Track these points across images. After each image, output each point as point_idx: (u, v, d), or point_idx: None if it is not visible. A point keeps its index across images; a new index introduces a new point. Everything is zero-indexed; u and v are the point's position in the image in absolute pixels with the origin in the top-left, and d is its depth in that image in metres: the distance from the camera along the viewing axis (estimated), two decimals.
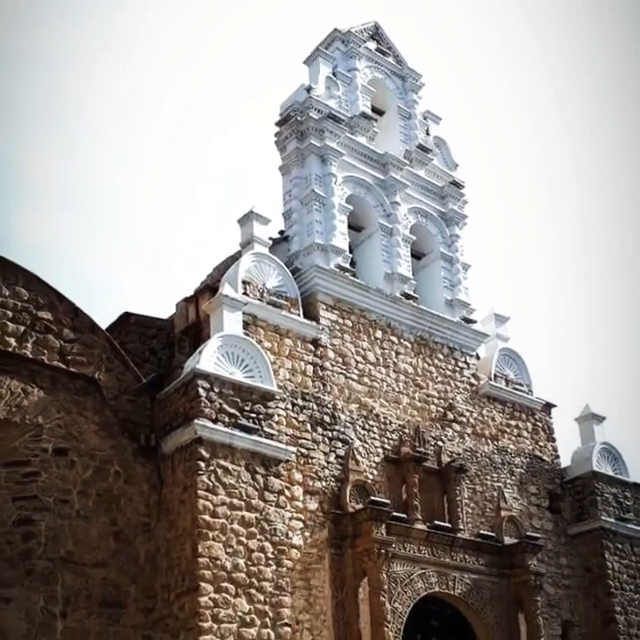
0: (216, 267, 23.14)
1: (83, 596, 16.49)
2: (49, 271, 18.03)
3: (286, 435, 19.62)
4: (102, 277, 50.49)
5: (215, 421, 17.72)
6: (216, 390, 18.00)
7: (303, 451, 19.94)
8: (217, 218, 52.64)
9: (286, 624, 17.59)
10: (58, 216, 51.11)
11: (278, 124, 23.99)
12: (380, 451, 21.56)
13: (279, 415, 19.53)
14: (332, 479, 20.23)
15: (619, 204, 58.07)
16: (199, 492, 17.12)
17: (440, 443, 22.93)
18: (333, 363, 21.62)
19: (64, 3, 49.68)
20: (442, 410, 23.53)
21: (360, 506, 19.88)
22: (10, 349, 16.99)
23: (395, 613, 19.60)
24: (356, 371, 22.02)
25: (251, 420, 18.29)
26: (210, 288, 20.99)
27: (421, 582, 20.61)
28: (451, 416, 23.66)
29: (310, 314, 21.65)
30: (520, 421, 25.37)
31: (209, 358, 18.20)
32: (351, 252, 23.57)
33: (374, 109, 25.86)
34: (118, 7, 51.40)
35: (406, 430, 22.32)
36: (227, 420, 17.93)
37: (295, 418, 20.15)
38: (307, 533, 19.37)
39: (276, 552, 17.90)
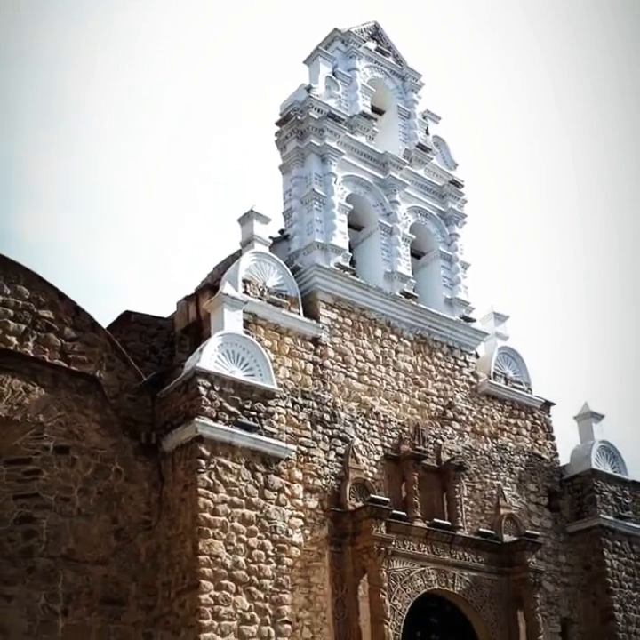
0: (216, 266, 23.19)
1: (84, 594, 16.51)
2: (49, 271, 18.06)
3: (286, 433, 19.67)
4: (103, 277, 50.59)
5: (216, 420, 17.76)
6: (216, 389, 18.03)
7: (303, 449, 19.99)
8: (217, 218, 52.77)
9: (286, 621, 17.63)
10: (58, 216, 51.18)
11: (278, 123, 24.04)
12: (379, 449, 21.62)
13: (279, 413, 19.58)
14: (332, 477, 20.28)
15: (618, 204, 58.17)
16: (200, 489, 17.15)
17: (439, 441, 22.99)
18: (333, 361, 21.68)
19: (64, 3, 49.74)
20: (441, 408, 23.59)
21: (360, 504, 19.94)
22: (11, 348, 16.99)
23: (394, 611, 19.66)
24: (355, 369, 22.07)
25: (251, 419, 18.33)
26: (210, 287, 21.03)
27: (421, 580, 20.67)
28: (450, 414, 23.71)
29: (310, 312, 21.70)
30: (519, 419, 25.44)
31: (209, 357, 18.23)
32: (351, 250, 23.64)
33: (374, 109, 25.92)
34: (118, 7, 51.46)
35: (406, 428, 22.38)
36: (227, 418, 17.96)
37: (295, 416, 20.20)
38: (307, 531, 19.42)
39: (276, 550, 17.93)
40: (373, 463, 21.35)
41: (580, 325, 56.12)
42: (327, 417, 20.83)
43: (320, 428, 20.56)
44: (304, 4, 51.51)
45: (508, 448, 24.62)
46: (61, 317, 17.88)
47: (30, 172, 49.91)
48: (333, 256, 22.50)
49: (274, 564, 17.80)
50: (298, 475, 19.71)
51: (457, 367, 24.58)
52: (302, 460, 19.89)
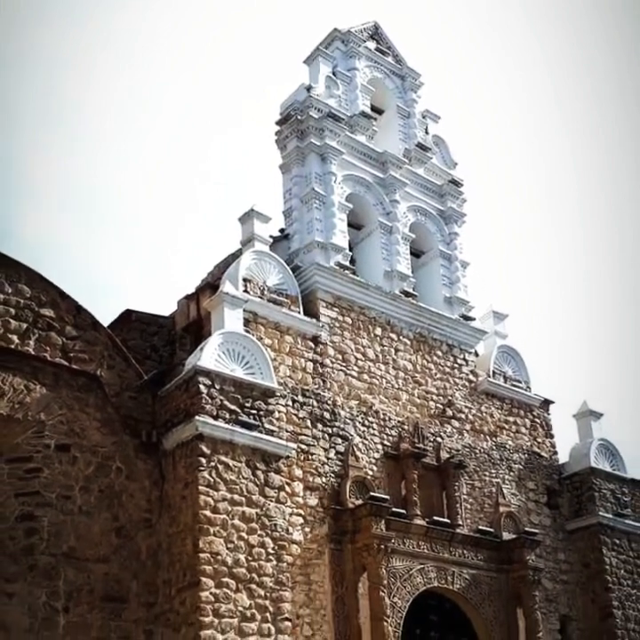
0: (217, 264, 23.22)
1: (85, 591, 16.54)
2: (50, 270, 18.06)
3: (286, 431, 19.72)
4: (103, 277, 50.61)
5: (216, 418, 17.80)
6: (217, 387, 18.08)
7: (303, 447, 20.04)
8: (217, 217, 52.76)
9: (287, 619, 17.66)
10: (58, 216, 51.20)
11: (279, 122, 24.08)
12: (379, 447, 21.67)
13: (279, 412, 19.62)
14: (332, 475, 20.33)
15: (618, 203, 58.19)
16: (200, 487, 17.18)
17: (439, 439, 23.04)
18: (333, 360, 21.73)
19: (64, 3, 49.76)
20: (441, 406, 23.64)
21: (360, 502, 19.97)
22: (12, 346, 17.02)
23: (394, 608, 19.71)
24: (355, 367, 22.13)
25: (251, 417, 18.37)
26: (211, 286, 21.07)
27: (420, 577, 20.71)
28: (450, 412, 23.77)
29: (310, 311, 21.75)
30: (518, 418, 25.49)
31: (210, 355, 18.27)
32: (351, 249, 23.70)
33: (374, 108, 25.96)
34: (118, 7, 51.47)
35: (405, 427, 22.43)
36: (227, 416, 18.00)
37: (295, 414, 20.25)
38: (307, 529, 19.47)
39: (276, 547, 17.97)
40: (373, 461, 21.39)
41: (580, 324, 56.23)
42: (327, 415, 20.89)
43: (320, 426, 20.60)
44: (304, 3, 51.59)
45: (507, 446, 24.67)
46: (62, 316, 17.91)
47: (30, 171, 50.00)
48: (333, 255, 22.56)
49: (274, 562, 17.84)
50: (298, 473, 19.75)
51: (456, 365, 24.64)
52: (302, 458, 19.93)
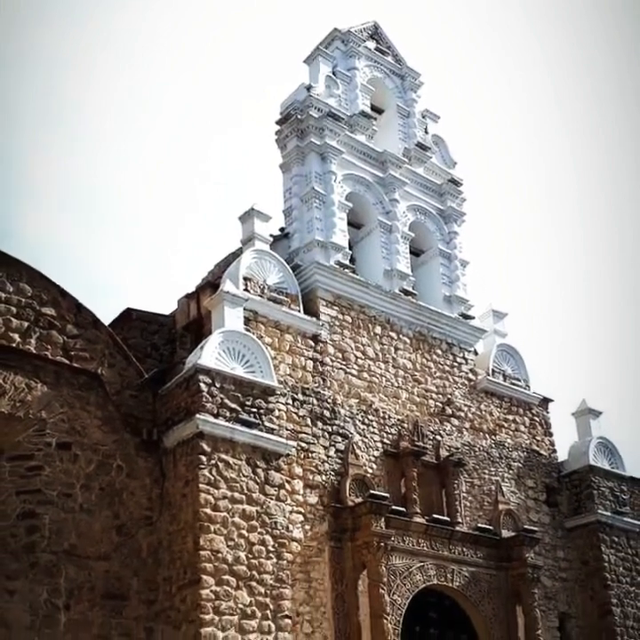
0: (217, 263, 23.27)
1: (86, 589, 16.58)
2: (51, 270, 18.12)
3: (287, 429, 19.77)
4: (103, 277, 50.60)
5: (216, 416, 17.85)
6: (217, 385, 18.13)
7: (303, 445, 20.08)
8: (217, 217, 52.75)
9: (287, 616, 17.70)
10: (58, 216, 51.20)
11: (279, 122, 24.14)
12: (379, 445, 21.71)
13: (280, 410, 19.65)
14: (332, 473, 20.37)
15: (618, 203, 58.21)
16: (201, 485, 17.23)
17: (438, 437, 23.09)
18: (333, 358, 21.78)
19: (64, 3, 49.75)
20: (440, 405, 23.70)
21: (359, 499, 20.01)
22: (14, 345, 17.07)
23: (394, 605, 19.75)
24: (355, 366, 22.18)
25: (251, 415, 18.42)
26: (211, 284, 21.13)
27: (420, 575, 20.76)
28: (449, 411, 23.82)
29: (310, 310, 21.81)
30: (517, 416, 25.54)
31: (210, 354, 18.32)
32: (351, 248, 23.74)
33: (374, 108, 26.01)
34: (118, 7, 51.45)
35: (405, 425, 22.47)
36: (228, 414, 18.05)
37: (295, 412, 20.29)
38: (307, 527, 19.51)
39: (276, 545, 18.02)
40: (373, 459, 21.44)
41: (579, 322, 56.20)
42: (327, 413, 20.93)
43: (320, 424, 20.65)
44: (304, 3, 51.59)
45: (506, 444, 24.72)
46: (63, 315, 17.96)
47: (30, 171, 49.99)
48: (333, 254, 22.61)
49: (274, 560, 17.88)
50: (298, 471, 19.79)
51: (456, 364, 24.69)
52: (302, 456, 19.98)
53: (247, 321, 20.08)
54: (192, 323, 21.22)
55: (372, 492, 20.14)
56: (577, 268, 56.74)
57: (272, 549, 17.94)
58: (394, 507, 20.48)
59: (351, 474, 20.44)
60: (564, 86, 56.78)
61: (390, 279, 23.80)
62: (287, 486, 19.16)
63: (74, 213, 51.85)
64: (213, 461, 17.57)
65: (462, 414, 24.10)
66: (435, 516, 21.64)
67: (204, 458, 17.45)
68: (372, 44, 26.72)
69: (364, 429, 21.51)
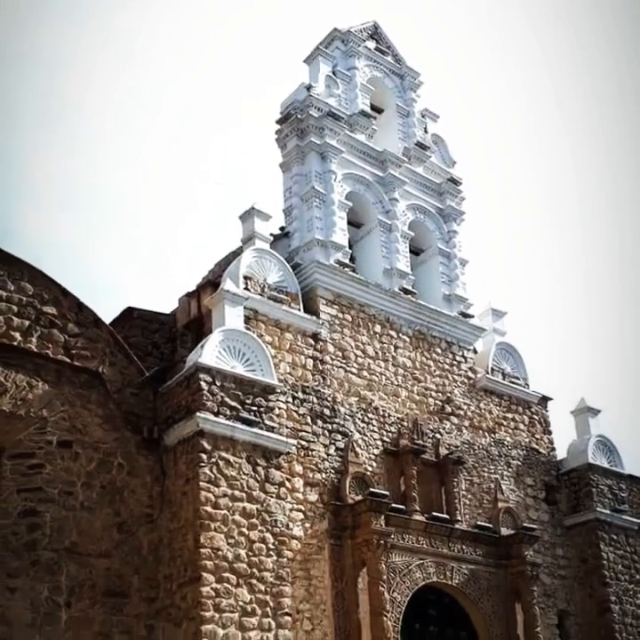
0: (218, 262, 23.32)
1: (87, 586, 16.60)
2: (51, 270, 18.18)
3: (287, 427, 19.82)
4: (104, 276, 50.64)
5: (217, 414, 17.90)
6: (218, 384, 18.18)
7: (303, 443, 20.13)
8: (217, 217, 52.78)
9: (287, 613, 17.75)
10: (58, 216, 51.21)
11: (279, 121, 24.20)
12: (379, 443, 21.76)
13: (280, 408, 19.71)
14: (332, 471, 20.42)
15: (618, 203, 58.24)
16: (201, 483, 17.28)
17: (438, 435, 23.15)
18: (333, 356, 21.83)
19: (64, 3, 49.76)
20: (440, 403, 23.75)
21: (359, 497, 20.06)
22: (15, 343, 17.11)
23: (393, 603, 19.80)
24: (355, 364, 22.23)
25: (252, 413, 18.47)
26: (211, 283, 21.18)
27: (420, 572, 20.81)
28: (448, 409, 23.87)
29: (310, 308, 21.86)
30: (517, 414, 25.60)
31: (211, 352, 18.38)
32: (351, 247, 23.78)
33: (373, 107, 26.08)
34: (118, 7, 51.48)
35: (405, 423, 22.53)
36: (228, 412, 18.10)
37: (295, 411, 20.35)
38: (307, 524, 19.55)
39: (276, 543, 18.07)
40: (373, 457, 21.49)
41: (578, 321, 56.30)
42: (327, 412, 20.99)
43: (320, 422, 20.71)
44: (304, 3, 51.65)
45: (505, 442, 24.78)
46: (65, 313, 18.00)
47: (30, 171, 50.02)
48: (333, 253, 22.66)
49: (274, 557, 17.93)
50: (298, 469, 19.84)
51: (455, 362, 24.75)
52: (302, 454, 20.02)
53: (247, 319, 20.13)
54: (193, 321, 21.26)
55: (371, 489, 20.19)
56: (576, 266, 56.84)
57: (272, 547, 17.98)
58: (393, 504, 20.52)
59: (351, 472, 20.49)
60: (563, 86, 56.89)
61: (390, 278, 23.86)
62: (287, 484, 19.21)
63: (74, 213, 51.95)
64: (214, 459, 17.62)
65: (462, 412, 24.15)
66: (434, 513, 21.69)
67: (204, 456, 17.50)
68: (371, 44, 26.79)
69: (363, 427, 21.57)
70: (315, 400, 20.83)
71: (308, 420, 20.52)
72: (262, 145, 50.30)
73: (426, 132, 27.17)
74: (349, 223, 23.96)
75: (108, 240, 51.80)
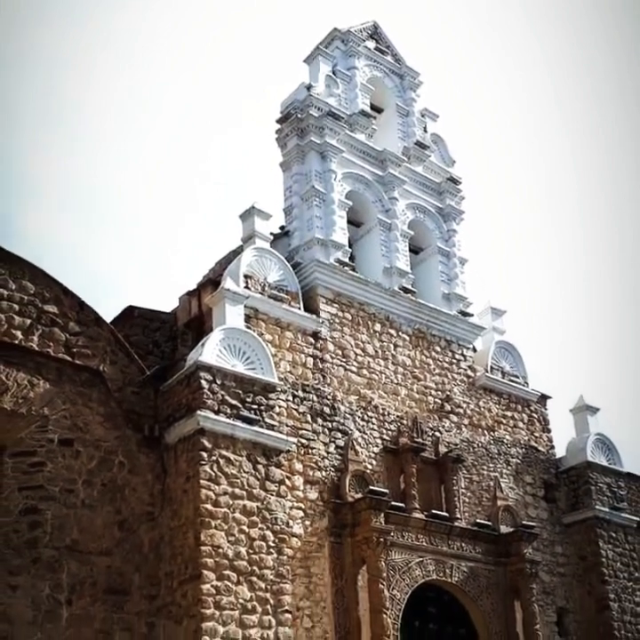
0: (218, 261, 23.36)
1: (88, 584, 16.64)
2: (52, 269, 18.24)
3: (287, 426, 19.86)
4: (104, 276, 50.68)
5: (217, 412, 17.95)
6: (218, 382, 18.22)
7: (303, 441, 20.19)
8: (217, 217, 52.82)
9: (287, 611, 17.79)
10: (58, 216, 51.26)
11: (279, 121, 24.27)
12: (378, 441, 21.82)
13: (280, 406, 19.76)
14: (332, 469, 20.48)
15: (618, 203, 58.26)
16: (202, 481, 17.33)
17: (437, 433, 23.21)
18: (333, 355, 21.89)
19: (64, 3, 49.80)
20: (439, 401, 23.81)
21: (359, 495, 20.12)
22: (16, 342, 17.16)
23: (393, 600, 19.85)
24: (355, 363, 22.29)
25: (252, 412, 18.51)
26: (212, 282, 21.21)
27: (419, 570, 20.87)
28: (448, 407, 23.93)
29: (310, 307, 21.92)
30: (516, 412, 25.65)
31: (211, 351, 18.42)
32: (350, 246, 23.83)
33: (373, 107, 26.16)
34: (118, 7, 51.53)
35: (404, 421, 22.59)
36: (229, 411, 18.15)
37: (296, 409, 20.40)
38: (307, 522, 19.61)
39: (276, 540, 18.10)
40: (372, 455, 21.55)
41: (577, 320, 56.36)
42: (327, 410, 21.05)
43: (320, 420, 20.77)
44: (304, 3, 51.69)
45: (504, 440, 24.85)
46: (66, 312, 18.05)
47: (31, 171, 50.05)
48: (333, 252, 22.72)
49: (275, 555, 17.97)
50: (298, 467, 19.90)
51: (454, 361, 24.80)
52: (302, 452, 20.08)
53: (248, 318, 20.20)
54: (193, 320, 21.30)
55: (371, 487, 20.25)
56: (575, 265, 56.94)
57: (272, 545, 18.02)
58: (393, 502, 20.58)
59: (351, 470, 20.55)
60: (563, 86, 56.91)
61: (390, 277, 23.92)
62: (287, 482, 19.26)
63: (74, 213, 52.00)
64: (214, 457, 17.66)
65: (461, 411, 24.21)
66: (434, 511, 21.76)
67: (204, 454, 17.54)
68: (371, 44, 26.86)
69: (363, 426, 21.63)
70: (315, 398, 20.90)
71: (308, 418, 20.58)
72: (262, 145, 50.42)
73: (425, 131, 27.23)
74: (349, 222, 24.02)
75: (108, 239, 51.92)
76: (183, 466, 17.87)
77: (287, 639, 17.60)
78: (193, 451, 17.67)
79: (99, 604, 16.69)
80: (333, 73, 25.41)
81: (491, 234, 54.83)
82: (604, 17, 55.23)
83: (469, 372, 24.99)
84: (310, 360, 21.36)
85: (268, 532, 18.05)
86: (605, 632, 23.84)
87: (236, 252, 21.95)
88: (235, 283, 20.05)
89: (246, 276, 20.82)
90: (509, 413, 25.47)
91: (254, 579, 17.49)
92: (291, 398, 20.40)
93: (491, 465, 24.09)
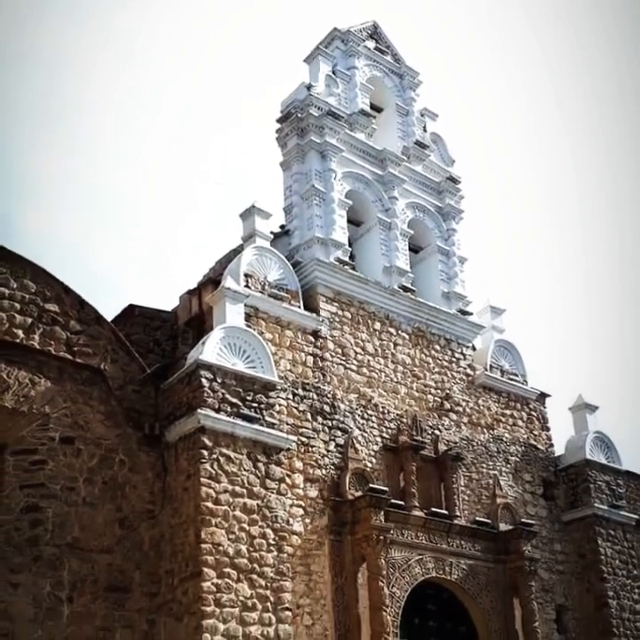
0: (219, 260, 23.41)
1: (89, 582, 16.69)
2: (53, 268, 18.29)
3: (287, 424, 19.92)
4: (105, 275, 50.72)
5: (218, 411, 17.99)
6: (219, 380, 18.26)
7: (303, 439, 20.25)
8: (217, 217, 52.85)
9: (287, 608, 17.83)
10: (59, 216, 51.29)
11: (279, 120, 24.32)
12: (378, 439, 21.88)
13: (280, 405, 19.82)
14: (332, 467, 20.53)
15: (618, 203, 58.30)
16: (202, 479, 17.37)
17: (437, 432, 23.27)
18: (333, 354, 21.94)
19: (64, 3, 49.82)
20: (439, 400, 23.87)
21: (359, 493, 20.18)
22: (18, 341, 17.20)
23: (393, 598, 19.91)
24: (355, 361, 22.34)
25: (252, 410, 18.56)
26: (212, 281, 21.25)
27: (419, 568, 20.92)
28: (447, 406, 23.99)
29: (310, 306, 21.97)
30: (515, 411, 25.71)
31: (212, 349, 18.47)
32: (350, 245, 23.88)
33: (373, 106, 26.21)
34: (118, 7, 51.55)
35: (404, 419, 22.64)
36: (229, 409, 18.19)
37: (296, 407, 20.46)
38: (307, 520, 19.67)
39: (277, 538, 18.14)
40: (372, 453, 21.61)
41: (576, 318, 56.47)
42: (327, 408, 21.10)
43: (320, 419, 20.82)
44: (304, 3, 51.72)
45: (504, 439, 24.90)
46: (67, 311, 18.10)
47: (31, 171, 50.09)
48: (333, 251, 22.77)
49: (275, 553, 18.01)
50: (298, 465, 19.96)
51: (454, 359, 24.86)
52: (303, 450, 20.14)
53: (248, 317, 20.25)
54: (194, 318, 21.34)
55: (371, 485, 20.30)
56: (575, 264, 57.01)
57: (273, 542, 18.06)
58: (393, 500, 20.65)
59: (351, 468, 20.60)
60: (563, 86, 56.92)
61: (389, 276, 23.98)
62: (287, 480, 19.31)
63: (74, 213, 52.04)
64: (215, 456, 17.71)
65: (460, 409, 24.27)
66: (433, 509, 21.83)
67: (205, 452, 17.58)
68: (371, 44, 26.91)
69: (363, 424, 21.68)
70: (315, 397, 20.95)
71: (308, 416, 20.63)
72: (262, 144, 50.47)
73: (425, 130, 27.29)
74: (349, 221, 24.07)
75: (108, 239, 51.98)
76: (184, 464, 17.90)
77: (287, 636, 17.63)
78: (193, 449, 17.71)
79: (100, 602, 16.72)
80: (333, 72, 25.47)
81: (490, 233, 54.95)
82: (604, 17, 55.38)
83: (469, 371, 25.04)
84: (310, 358, 21.41)
85: (269, 530, 18.09)
86: (604, 629, 23.91)
87: (237, 251, 21.99)
88: (235, 281, 20.11)
89: (247, 275, 20.87)
90: (509, 412, 25.53)
91: (254, 576, 17.53)
92: (291, 396, 20.45)
93: (490, 463, 24.15)
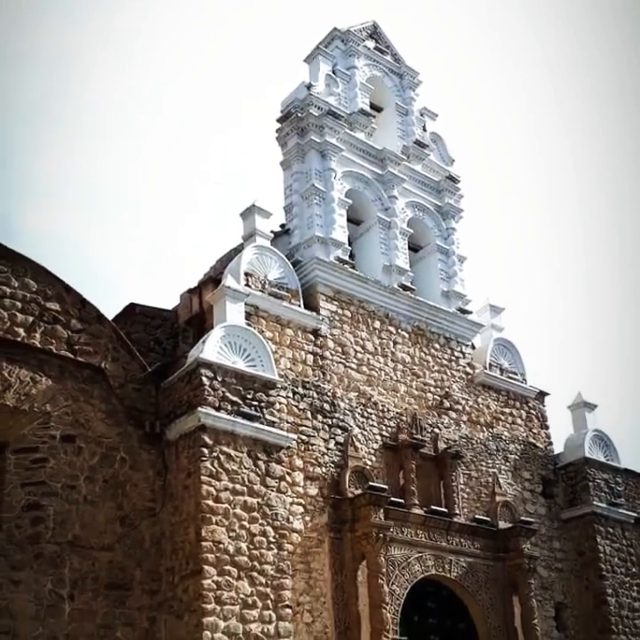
0: (219, 259, 23.46)
1: (90, 579, 16.72)
2: (54, 268, 18.31)
3: (287, 422, 19.98)
4: (106, 274, 50.76)
5: (218, 409, 18.03)
6: (219, 379, 18.30)
7: (304, 438, 20.29)
8: (217, 217, 52.85)
9: (287, 606, 17.86)
10: (59, 216, 51.32)
11: (279, 120, 24.36)
12: (378, 438, 21.93)
13: (280, 403, 19.87)
14: (332, 465, 20.58)
15: (618, 203, 58.32)
16: (202, 477, 17.39)
17: (436, 430, 23.31)
18: (333, 352, 21.99)
19: (64, 3, 49.83)
20: (438, 398, 23.91)
21: (359, 491, 20.23)
22: (19, 339, 17.23)
23: (393, 595, 19.96)
24: (355, 360, 22.39)
25: (253, 408, 18.59)
26: (213, 280, 21.29)
27: (418, 565, 20.97)
28: (447, 404, 24.04)
29: (310, 305, 22.02)
30: (514, 409, 25.77)
31: (212, 348, 18.51)
32: (350, 244, 23.93)
33: (373, 106, 26.25)
34: (118, 7, 51.56)
35: (404, 418, 22.68)
36: (229, 407, 18.22)
37: (296, 406, 20.51)
38: (307, 518, 19.71)
39: (277, 536, 18.17)
40: (372, 452, 21.65)
41: (575, 317, 56.53)
42: (327, 407, 21.15)
43: (320, 417, 20.87)
44: (304, 3, 51.73)
45: (503, 437, 24.95)
46: (68, 309, 18.13)
47: (30, 172, 50.11)
48: (333, 250, 22.81)
49: (275, 550, 18.04)
50: (298, 463, 20.01)
51: (453, 358, 24.91)
52: (303, 448, 20.18)
53: (248, 316, 20.30)
54: (194, 317, 21.37)
55: (371, 483, 20.33)
56: (574, 263, 57.07)
57: (273, 540, 18.09)
58: (393, 498, 20.70)
59: (351, 466, 20.65)
60: (563, 86, 56.92)
61: (389, 274, 24.03)
62: (288, 478, 19.35)
63: (74, 213, 52.06)
64: (215, 454, 17.74)
65: (460, 407, 24.32)
66: (433, 507, 21.86)
67: (205, 450, 17.61)
68: (371, 44, 26.95)
69: (363, 422, 21.73)
70: (315, 395, 21.00)
71: (309, 414, 20.68)
72: (262, 144, 50.47)
73: (425, 130, 27.33)
74: (349, 220, 24.12)
75: (109, 239, 51.99)
76: (184, 462, 17.94)
77: (287, 634, 17.66)
78: (194, 447, 17.74)
79: (100, 599, 16.76)
80: (333, 72, 25.50)
81: (490, 232, 55.03)
82: (604, 17, 55.38)
83: (468, 369, 25.10)
84: (310, 357, 21.46)
85: (269, 528, 18.12)
86: (603, 627, 23.97)
87: (237, 250, 22.03)
88: (235, 280, 20.15)
89: (247, 274, 20.92)
90: (508, 410, 25.58)
91: (255, 574, 17.56)
92: (291, 395, 20.50)
93: (489, 461, 24.20)
